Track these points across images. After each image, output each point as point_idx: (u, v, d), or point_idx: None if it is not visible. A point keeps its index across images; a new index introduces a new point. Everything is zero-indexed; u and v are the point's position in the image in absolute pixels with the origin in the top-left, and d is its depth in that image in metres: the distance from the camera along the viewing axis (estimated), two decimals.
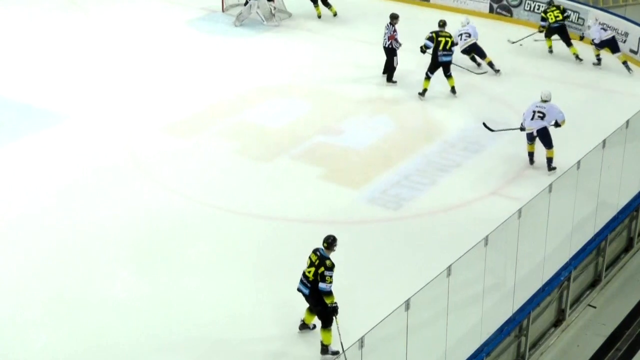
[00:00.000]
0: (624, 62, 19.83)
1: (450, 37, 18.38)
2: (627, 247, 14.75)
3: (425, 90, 18.46)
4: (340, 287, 12.34)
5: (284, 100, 18.44)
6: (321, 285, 10.82)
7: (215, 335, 11.56)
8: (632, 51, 20.38)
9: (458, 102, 18.32)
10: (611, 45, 19.90)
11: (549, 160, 15.39)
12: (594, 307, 13.43)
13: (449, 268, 10.09)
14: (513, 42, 21.36)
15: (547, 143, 15.40)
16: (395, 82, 18.97)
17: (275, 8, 22.85)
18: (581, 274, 13.36)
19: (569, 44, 20.55)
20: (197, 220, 14.11)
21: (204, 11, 23.95)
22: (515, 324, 11.67)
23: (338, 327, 10.69)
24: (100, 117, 17.74)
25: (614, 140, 13.26)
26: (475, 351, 10.95)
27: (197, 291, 12.41)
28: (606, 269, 13.98)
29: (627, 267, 14.41)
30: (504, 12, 23.03)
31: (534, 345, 12.40)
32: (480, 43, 19.61)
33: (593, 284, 13.82)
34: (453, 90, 18.59)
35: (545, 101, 15.39)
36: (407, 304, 9.51)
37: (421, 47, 18.51)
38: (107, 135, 16.95)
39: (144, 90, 19.04)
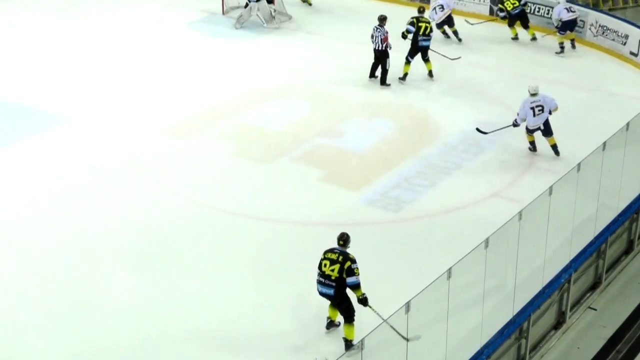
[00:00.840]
0: (572, 40, 20.94)
1: (429, 22, 19.09)
2: (628, 250, 14.74)
3: (405, 74, 19.16)
4: None
5: (284, 102, 18.44)
6: (351, 279, 10.86)
7: (215, 337, 11.55)
8: (632, 53, 20.38)
9: (458, 104, 18.33)
10: (571, 26, 20.71)
11: (554, 147, 15.90)
12: (595, 310, 13.41)
13: (449, 270, 10.08)
14: (472, 24, 22.18)
15: (549, 132, 15.76)
16: (389, 84, 18.97)
17: (275, 10, 22.87)
18: (581, 277, 13.34)
19: (526, 27, 21.52)
20: (197, 221, 14.10)
21: (204, 13, 23.96)
22: (516, 327, 11.65)
23: (377, 312, 10.57)
24: (100, 119, 17.75)
25: (615, 143, 13.24)
26: (476, 353, 10.93)
27: (197, 293, 12.40)
28: (606, 272, 13.96)
29: (628, 270, 14.39)
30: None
31: (534, 347, 12.39)
32: (480, 46, 19.63)
33: (593, 286, 13.80)
34: (430, 74, 19.31)
35: (534, 94, 15.66)
36: (408, 306, 9.50)
37: (403, 33, 19.09)
38: (107, 137, 16.96)
39: (144, 92, 19.06)
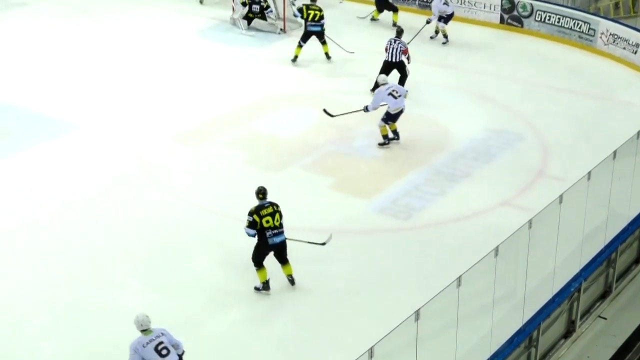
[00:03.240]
0: (445, 35, 21.84)
1: (319, 10, 20.29)
2: (638, 259, 14.71)
3: (296, 57, 20.67)
4: (350, 296, 12.41)
5: (295, 109, 18.46)
6: (282, 220, 12.19)
7: (224, 344, 11.57)
8: None
9: (468, 112, 18.33)
10: (447, 19, 21.66)
11: (395, 131, 16.77)
12: (605, 319, 13.39)
13: (459, 278, 10.08)
14: (362, 17, 23.29)
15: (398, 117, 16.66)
16: (406, 90, 18.97)
17: (275, 16, 22.91)
18: (591, 285, 13.32)
19: (395, 10, 22.84)
20: (207, 228, 14.14)
21: (214, 21, 23.99)
22: (525, 335, 11.64)
23: (297, 239, 12.45)
24: (110, 125, 17.81)
25: (625, 151, 13.23)
26: None
27: (207, 299, 12.43)
28: (617, 280, 13.94)
29: (638, 279, 14.36)
30: (514, 23, 23.00)
31: (544, 356, 12.37)
32: (490, 54, 19.64)
33: (603, 295, 13.78)
34: (327, 56, 20.67)
35: (385, 84, 16.64)
36: (417, 314, 9.50)
37: (293, 13, 21.23)
38: (118, 144, 17.01)
39: (155, 99, 19.10)
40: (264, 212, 12.09)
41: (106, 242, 13.75)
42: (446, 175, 15.75)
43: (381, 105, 16.52)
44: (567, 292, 12.39)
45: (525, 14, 22.77)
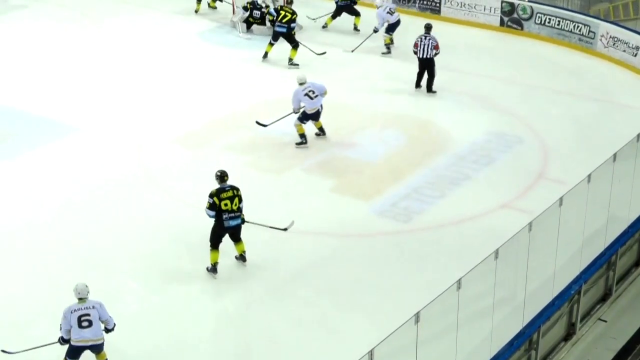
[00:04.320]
0: (389, 44, 21.50)
1: (292, 13, 20.73)
2: (638, 261, 14.69)
3: (266, 53, 21.25)
4: (349, 299, 12.42)
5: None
6: (242, 205, 12.75)
7: (225, 346, 11.58)
8: None
9: (468, 115, 18.35)
10: (394, 28, 21.35)
11: (321, 128, 16.98)
12: (605, 321, 13.38)
13: (459, 281, 10.09)
14: (313, 19, 23.40)
15: (318, 117, 16.80)
16: (435, 92, 19.16)
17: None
18: (592, 288, 13.32)
19: (358, 14, 22.88)
20: (208, 232, 14.12)
21: (215, 23, 24.04)
22: (525, 338, 11.64)
23: (256, 223, 13.02)
24: (111, 128, 17.84)
25: (625, 154, 13.23)
26: None
27: (209, 302, 12.44)
28: (617, 283, 13.94)
29: (638, 281, 14.35)
30: (514, 26, 23.03)
31: (544, 359, 12.36)
32: (490, 57, 19.63)
33: (603, 297, 13.78)
34: (289, 60, 20.96)
35: (303, 83, 16.61)
36: (417, 317, 9.50)
37: (269, 12, 21.51)
38: (118, 147, 17.03)
39: (155, 101, 19.13)
40: (224, 195, 12.57)
41: (107, 244, 13.76)
42: (446, 178, 15.76)
43: (301, 107, 16.74)
44: (567, 295, 12.40)
45: (525, 16, 22.79)
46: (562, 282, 12.36)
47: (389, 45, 21.51)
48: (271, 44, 21.16)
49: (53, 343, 10.93)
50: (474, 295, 10.55)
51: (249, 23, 22.98)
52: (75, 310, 10.72)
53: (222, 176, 12.71)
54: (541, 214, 11.58)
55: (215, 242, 12.84)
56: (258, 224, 13.21)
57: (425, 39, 18.81)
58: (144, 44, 22.67)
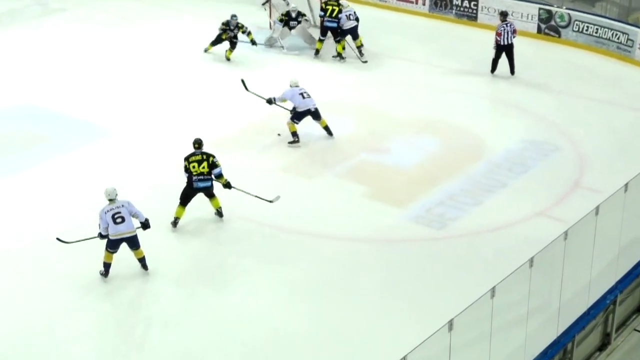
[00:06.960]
0: (359, 47, 21.40)
1: (337, 6, 20.97)
2: None
3: (318, 50, 21.62)
4: (382, 305, 12.40)
5: (329, 118, 18.42)
6: (216, 170, 14.00)
7: (257, 352, 11.60)
8: None
9: (504, 122, 18.28)
10: (353, 32, 21.29)
11: (327, 128, 17.27)
12: None
13: (493, 289, 10.04)
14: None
15: (319, 116, 17.09)
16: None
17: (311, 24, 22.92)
18: (627, 298, 13.21)
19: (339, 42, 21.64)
20: (241, 236, 14.19)
21: (252, 27, 24.03)
22: (560, 347, 11.57)
23: (241, 189, 14.30)
24: (146, 131, 17.93)
25: None
26: None
27: (241, 308, 12.48)
28: None
29: None
30: (552, 33, 22.89)
31: None
32: (527, 64, 19.55)
33: (639, 308, 13.65)
34: (339, 55, 21.30)
35: (297, 85, 17.05)
36: (451, 324, 9.47)
37: (320, 14, 21.53)
38: (153, 150, 17.10)
39: (191, 105, 19.19)
40: (192, 158, 13.91)
41: (142, 247, 13.83)
42: (481, 185, 15.68)
43: (281, 106, 17.16)
44: (603, 305, 12.30)
45: (563, 24, 22.63)
46: (597, 291, 12.27)
47: (340, 54, 21.55)
48: (321, 41, 21.53)
49: (93, 237, 12.81)
50: (508, 304, 10.50)
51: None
52: (108, 211, 12.56)
53: (194, 143, 14.03)
54: (577, 222, 11.51)
55: (183, 200, 14.07)
56: (243, 191, 14.33)
57: (507, 25, 19.70)
58: (181, 47, 22.72)
